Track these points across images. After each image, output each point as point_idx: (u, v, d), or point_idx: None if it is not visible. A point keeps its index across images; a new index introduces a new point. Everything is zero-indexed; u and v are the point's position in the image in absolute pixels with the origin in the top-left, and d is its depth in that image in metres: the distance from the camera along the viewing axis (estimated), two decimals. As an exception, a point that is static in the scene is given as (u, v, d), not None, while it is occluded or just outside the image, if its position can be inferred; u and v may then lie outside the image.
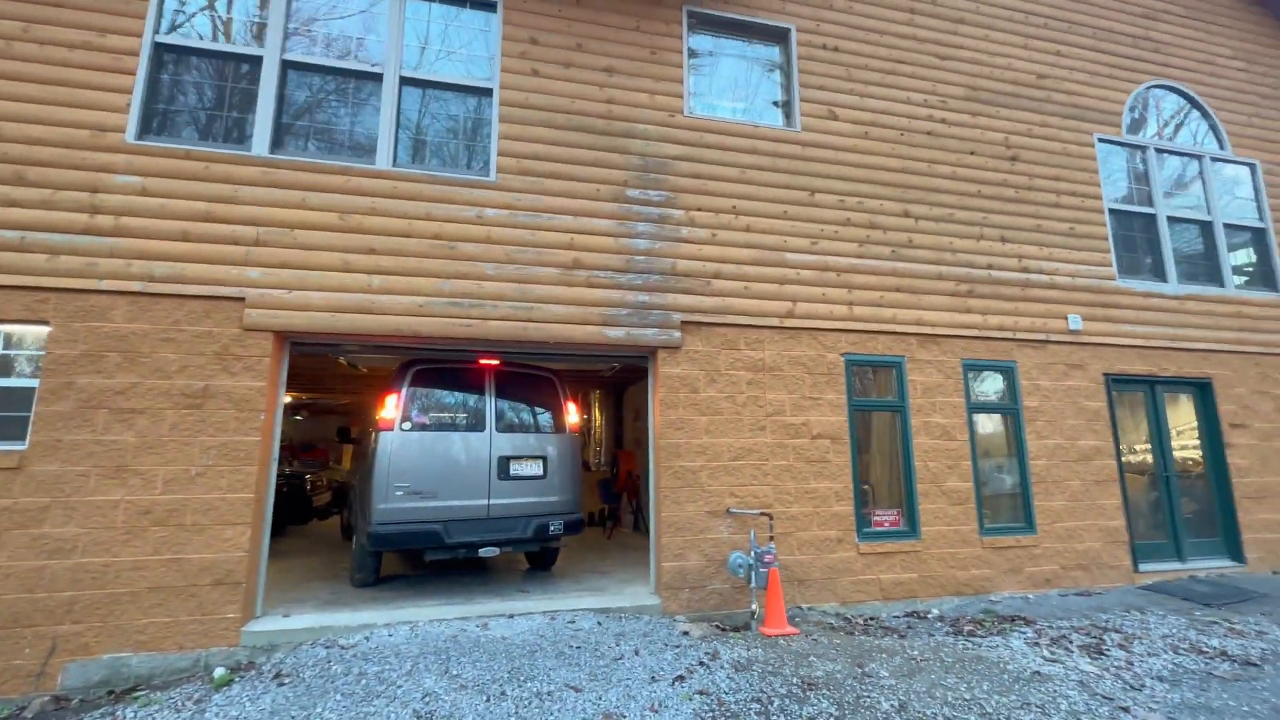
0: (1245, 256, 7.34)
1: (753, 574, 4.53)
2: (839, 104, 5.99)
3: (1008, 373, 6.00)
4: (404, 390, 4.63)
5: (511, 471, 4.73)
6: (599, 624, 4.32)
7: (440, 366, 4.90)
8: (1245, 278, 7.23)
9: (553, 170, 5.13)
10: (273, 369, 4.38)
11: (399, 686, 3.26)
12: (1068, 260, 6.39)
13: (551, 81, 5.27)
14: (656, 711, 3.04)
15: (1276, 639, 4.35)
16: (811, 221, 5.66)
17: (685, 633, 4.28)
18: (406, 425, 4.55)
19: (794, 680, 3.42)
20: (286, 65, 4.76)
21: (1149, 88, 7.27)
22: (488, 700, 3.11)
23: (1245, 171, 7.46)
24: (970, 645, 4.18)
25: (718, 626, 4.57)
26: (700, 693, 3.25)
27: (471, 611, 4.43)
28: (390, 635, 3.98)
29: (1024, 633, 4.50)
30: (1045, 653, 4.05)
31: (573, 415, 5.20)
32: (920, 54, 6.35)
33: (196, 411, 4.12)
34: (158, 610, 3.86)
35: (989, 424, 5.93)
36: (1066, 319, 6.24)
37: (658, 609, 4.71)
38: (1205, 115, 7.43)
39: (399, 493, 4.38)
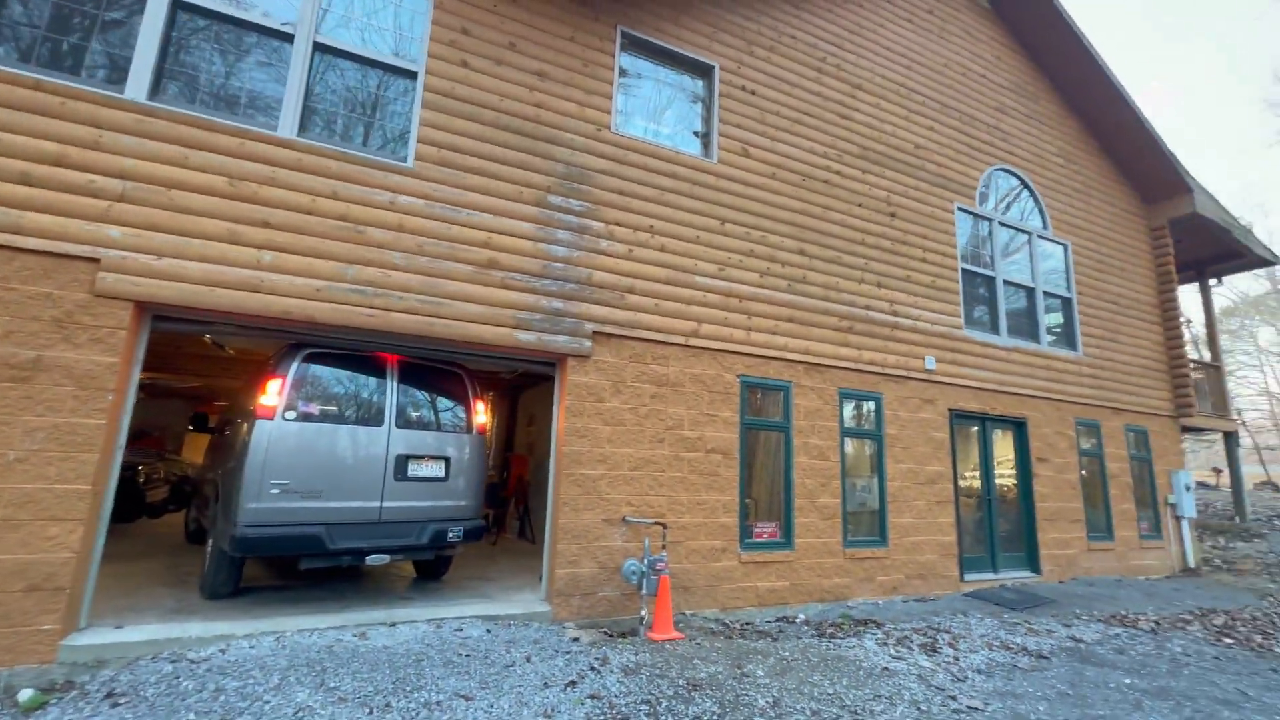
0: (1056, 319, 8.89)
1: (644, 581, 4.68)
2: (752, 143, 6.45)
3: (876, 403, 6.76)
4: (290, 374, 4.22)
5: (410, 472, 4.46)
6: (488, 631, 4.23)
7: (336, 351, 4.54)
8: (1054, 337, 8.75)
9: (475, 166, 5.01)
10: (128, 343, 3.83)
11: (266, 702, 2.98)
12: (928, 309, 7.35)
13: (481, 76, 5.16)
14: (550, 717, 3.06)
15: (1062, 636, 5.30)
16: (720, 249, 6.02)
17: (575, 639, 4.32)
18: (291, 414, 4.15)
19: (680, 682, 3.59)
20: (177, 5, 4.23)
21: (997, 169, 8.61)
22: (371, 713, 2.95)
23: (1060, 250, 9.06)
24: (832, 646, 4.63)
25: (606, 633, 4.65)
26: (592, 697, 3.31)
27: (348, 620, 4.14)
28: (252, 647, 3.62)
29: (875, 634, 5.07)
30: (892, 651, 4.60)
31: (481, 415, 5.04)
32: (824, 110, 7.03)
33: (21, 386, 3.50)
34: (-56, 622, 3.20)
35: (856, 448, 6.63)
36: (924, 359, 7.16)
37: (548, 616, 4.71)
38: (1035, 199, 8.94)
39: (275, 490, 3.98)
